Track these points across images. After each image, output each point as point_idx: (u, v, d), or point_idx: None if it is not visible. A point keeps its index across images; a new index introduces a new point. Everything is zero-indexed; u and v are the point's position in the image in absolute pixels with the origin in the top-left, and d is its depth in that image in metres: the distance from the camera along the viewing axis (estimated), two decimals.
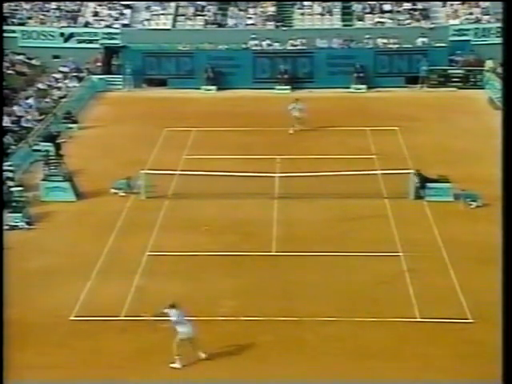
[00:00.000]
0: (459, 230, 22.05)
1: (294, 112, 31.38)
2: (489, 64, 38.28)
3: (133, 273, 19.68)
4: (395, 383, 15.07)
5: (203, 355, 15.82)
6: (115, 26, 41.95)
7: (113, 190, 25.15)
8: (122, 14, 42.81)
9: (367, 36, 40.18)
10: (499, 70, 37.29)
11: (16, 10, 42.84)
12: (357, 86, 37.96)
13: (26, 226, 22.70)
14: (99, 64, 40.37)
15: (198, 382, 15.36)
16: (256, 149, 28.91)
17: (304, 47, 40.03)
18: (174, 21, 42.39)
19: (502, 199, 12.17)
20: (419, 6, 41.98)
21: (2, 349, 13.28)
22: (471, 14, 41.36)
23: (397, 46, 39.64)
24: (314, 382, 15.25)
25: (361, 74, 38.21)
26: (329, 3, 42.47)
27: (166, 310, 15.61)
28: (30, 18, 42.79)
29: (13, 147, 28.08)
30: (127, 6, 43.11)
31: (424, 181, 24.33)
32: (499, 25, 39.76)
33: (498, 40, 38.91)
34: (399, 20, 41.56)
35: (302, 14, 42.47)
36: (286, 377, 15.30)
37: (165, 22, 42.16)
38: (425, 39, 39.75)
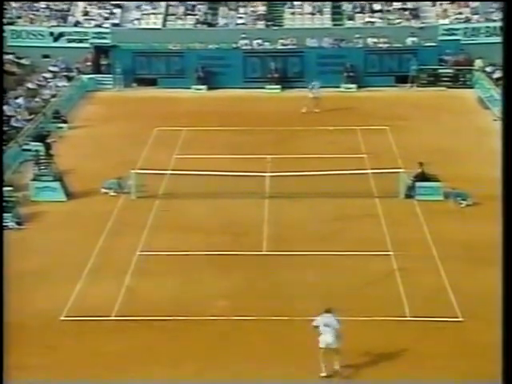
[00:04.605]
0: (449, 228, 22.12)
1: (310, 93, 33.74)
2: (478, 63, 38.41)
3: (123, 273, 19.66)
4: (386, 382, 15.11)
5: (336, 367, 15.36)
6: (105, 25, 41.86)
7: (103, 190, 25.11)
8: (112, 13, 42.74)
9: (357, 35, 40.25)
10: (488, 69, 37.47)
11: (5, 9, 42.62)
12: (347, 86, 38.01)
13: (16, 226, 22.62)
14: (89, 63, 40.28)
15: (191, 382, 15.34)
16: (247, 148, 28.91)
17: (294, 46, 40.05)
18: (165, 20, 42.36)
19: (502, 199, 12.18)
20: (409, 5, 42.10)
21: (1, 349, 13.27)
22: (461, 13, 41.51)
23: (387, 45, 39.74)
24: (306, 381, 15.28)
25: (351, 74, 38.28)
26: (319, 3, 42.52)
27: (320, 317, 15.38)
28: (19, 18, 42.65)
29: (2, 147, 27.97)
30: (117, 6, 43.04)
31: (423, 178, 24.42)
32: (488, 24, 40.04)
33: (488, 39, 39.18)
34: (389, 19, 41.68)
35: (293, 14, 42.50)
36: (277, 376, 15.31)
37: (155, 22, 42.12)
38: (415, 39, 39.86)
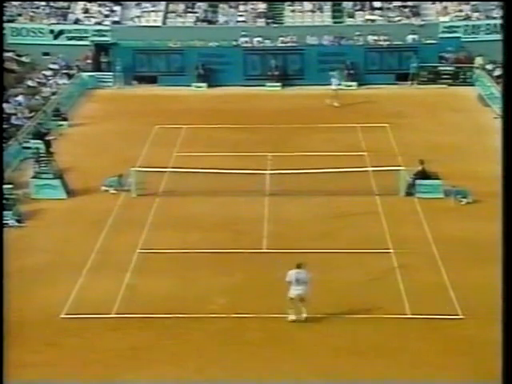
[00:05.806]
0: (449, 226, 22.13)
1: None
2: (478, 61, 38.41)
3: (124, 270, 19.66)
4: (386, 381, 15.11)
5: (304, 316, 16.92)
6: (105, 23, 41.85)
7: (103, 188, 25.12)
8: (112, 10, 42.72)
9: (357, 33, 40.25)
10: (489, 66, 37.47)
11: (5, 6, 42.60)
12: (347, 83, 37.96)
13: (17, 224, 22.62)
14: (89, 61, 40.28)
15: (190, 382, 15.35)
16: (247, 146, 28.91)
17: (294, 44, 40.06)
18: (165, 18, 42.35)
19: (502, 196, 12.15)
20: (409, 3, 42.09)
21: (1, 348, 13.26)
22: (461, 11, 41.50)
23: (387, 43, 39.73)
24: (305, 379, 15.29)
25: (351, 71, 38.26)
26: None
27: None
28: (19, 15, 42.63)
29: (3, 145, 27.96)
30: (117, 3, 43.02)
31: (423, 176, 24.43)
32: (489, 22, 40.05)
33: (488, 37, 39.17)
34: (389, 17, 41.66)
35: (293, 11, 42.48)
36: (277, 374, 15.31)
37: (155, 19, 42.12)
38: (415, 36, 39.85)
